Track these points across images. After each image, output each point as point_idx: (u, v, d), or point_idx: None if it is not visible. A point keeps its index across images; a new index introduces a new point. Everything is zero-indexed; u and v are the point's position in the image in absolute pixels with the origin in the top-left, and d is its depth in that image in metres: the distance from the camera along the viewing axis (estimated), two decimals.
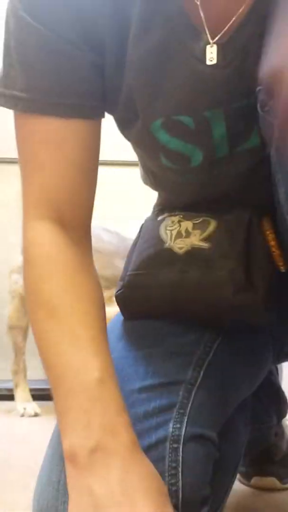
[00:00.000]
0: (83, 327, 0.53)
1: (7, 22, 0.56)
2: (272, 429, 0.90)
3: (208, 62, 0.54)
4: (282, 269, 0.61)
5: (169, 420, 0.55)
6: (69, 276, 0.56)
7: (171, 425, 0.54)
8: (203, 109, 0.56)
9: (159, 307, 0.63)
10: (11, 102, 0.57)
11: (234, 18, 0.53)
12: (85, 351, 0.51)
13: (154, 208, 0.73)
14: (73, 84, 0.56)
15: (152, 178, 0.68)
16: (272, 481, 0.92)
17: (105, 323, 0.56)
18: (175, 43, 0.54)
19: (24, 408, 1.70)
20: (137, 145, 0.64)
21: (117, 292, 0.65)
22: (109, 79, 0.57)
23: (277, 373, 0.92)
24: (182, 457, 0.53)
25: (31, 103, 0.56)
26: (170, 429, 0.54)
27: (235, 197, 0.63)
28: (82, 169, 0.58)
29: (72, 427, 0.49)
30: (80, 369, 0.50)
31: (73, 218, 0.59)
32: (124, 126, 0.62)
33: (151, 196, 0.75)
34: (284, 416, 0.92)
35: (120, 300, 0.65)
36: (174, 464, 0.52)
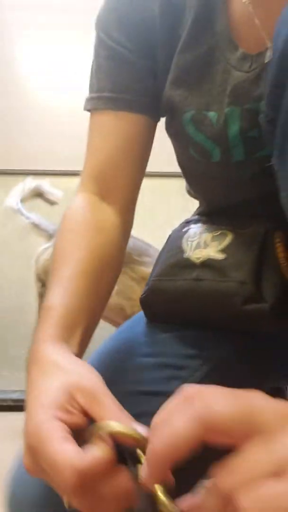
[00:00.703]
0: (70, 270, 0.61)
1: (94, 45, 0.71)
2: None
3: None
4: None
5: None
6: (81, 232, 0.66)
7: None
8: (227, 106, 0.65)
9: (176, 311, 0.68)
10: (86, 103, 0.71)
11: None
12: (57, 286, 0.60)
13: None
14: (130, 84, 0.70)
15: (183, 173, 0.75)
16: None
17: (98, 274, 0.63)
18: (218, 53, 0.66)
19: None
20: (174, 137, 0.72)
21: (141, 295, 0.71)
22: (159, 81, 0.69)
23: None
24: None
25: (97, 100, 0.70)
26: None
27: (256, 206, 0.68)
28: (127, 156, 0.70)
29: None
30: (47, 298, 0.59)
31: (112, 193, 0.71)
32: (167, 121, 0.72)
33: None
34: None
35: (143, 302, 0.71)
36: None
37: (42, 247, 1.80)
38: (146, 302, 0.71)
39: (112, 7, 0.70)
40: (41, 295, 1.75)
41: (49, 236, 1.79)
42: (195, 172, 0.73)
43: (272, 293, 0.62)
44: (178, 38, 0.67)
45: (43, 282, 1.76)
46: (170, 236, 0.76)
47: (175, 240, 0.72)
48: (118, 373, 0.64)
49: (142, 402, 0.61)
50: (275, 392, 0.94)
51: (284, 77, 0.49)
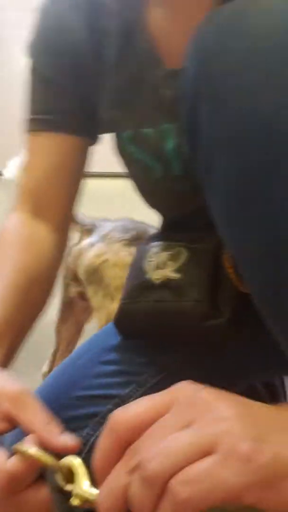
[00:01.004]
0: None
1: (28, 70, 0.73)
2: None
3: None
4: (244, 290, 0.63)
5: (86, 426, 0.65)
6: (10, 247, 0.70)
7: (85, 431, 0.65)
8: (161, 123, 0.66)
9: (143, 331, 0.70)
10: (24, 125, 0.74)
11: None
12: None
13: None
14: (59, 106, 0.71)
15: (135, 188, 0.76)
16: None
17: (25, 289, 0.66)
18: (145, 71, 0.66)
19: None
20: (119, 156, 0.73)
21: (114, 316, 0.72)
22: (91, 103, 0.70)
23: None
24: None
25: (30, 122, 0.73)
26: (83, 434, 0.65)
27: (204, 217, 0.64)
28: (57, 175, 0.73)
29: None
30: None
31: (45, 211, 0.73)
32: (113, 141, 0.73)
33: None
34: None
35: (116, 324, 0.73)
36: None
37: (85, 242, 1.45)
38: (117, 323, 0.73)
39: (41, 33, 0.72)
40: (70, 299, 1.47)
41: (88, 230, 1.47)
42: (142, 186, 0.74)
43: (228, 307, 0.64)
44: (106, 60, 0.68)
45: (79, 282, 1.43)
46: (136, 253, 0.77)
47: (138, 259, 0.73)
48: (79, 378, 0.69)
49: (97, 404, 0.65)
50: (271, 389, 0.96)
51: (198, 101, 0.48)
